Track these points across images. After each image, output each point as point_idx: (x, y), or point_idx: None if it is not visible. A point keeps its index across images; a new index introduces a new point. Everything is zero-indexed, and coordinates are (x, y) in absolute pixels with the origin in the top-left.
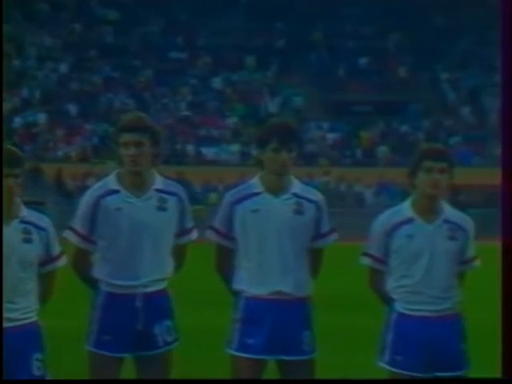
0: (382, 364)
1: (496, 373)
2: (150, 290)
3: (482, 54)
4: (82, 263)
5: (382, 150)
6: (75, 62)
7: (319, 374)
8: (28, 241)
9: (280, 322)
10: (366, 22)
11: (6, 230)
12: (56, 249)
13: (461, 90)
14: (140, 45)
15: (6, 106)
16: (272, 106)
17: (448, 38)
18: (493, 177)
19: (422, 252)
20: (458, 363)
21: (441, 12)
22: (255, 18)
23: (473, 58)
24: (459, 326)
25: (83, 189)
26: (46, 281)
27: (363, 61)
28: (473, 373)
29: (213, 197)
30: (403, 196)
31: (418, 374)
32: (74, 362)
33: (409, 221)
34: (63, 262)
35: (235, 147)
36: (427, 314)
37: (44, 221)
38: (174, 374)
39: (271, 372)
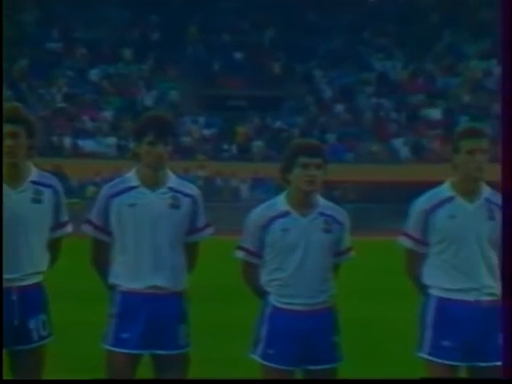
0: (254, 356)
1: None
2: (25, 283)
3: (355, 51)
4: None
5: (258, 145)
6: None
7: (194, 368)
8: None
9: (155, 317)
10: (241, 16)
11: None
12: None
13: (335, 87)
14: (15, 35)
15: None
16: (148, 99)
17: (322, 35)
18: (366, 173)
19: (296, 245)
20: (331, 356)
21: (315, 9)
22: (131, 10)
23: (346, 56)
24: (332, 319)
25: None
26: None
27: (238, 56)
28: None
29: (90, 190)
30: (278, 190)
31: (290, 368)
32: None
33: (284, 214)
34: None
35: (112, 140)
36: (301, 307)
37: None
38: (49, 371)
39: (146, 367)
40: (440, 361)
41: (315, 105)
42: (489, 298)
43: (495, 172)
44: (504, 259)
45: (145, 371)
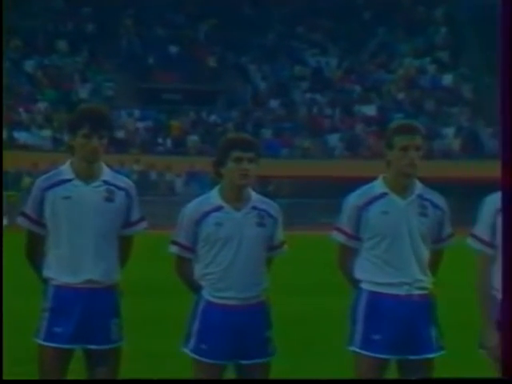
0: (186, 351)
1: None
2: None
3: (289, 46)
4: None
5: (192, 140)
6: None
7: (126, 363)
8: None
9: (89, 311)
10: (175, 10)
11: None
12: None
13: (270, 81)
14: None
15: None
16: (83, 91)
17: (257, 29)
18: (300, 168)
19: (230, 239)
20: (264, 350)
21: (250, 3)
22: (65, 1)
23: (281, 51)
24: (265, 314)
25: None
26: None
27: (173, 49)
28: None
29: (25, 181)
30: (213, 185)
31: (222, 362)
32: None
33: (217, 209)
34: None
35: (47, 132)
36: (234, 301)
37: None
38: None
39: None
40: (370, 354)
41: (250, 99)
42: (420, 292)
43: (428, 168)
44: (504, 259)
45: (76, 366)
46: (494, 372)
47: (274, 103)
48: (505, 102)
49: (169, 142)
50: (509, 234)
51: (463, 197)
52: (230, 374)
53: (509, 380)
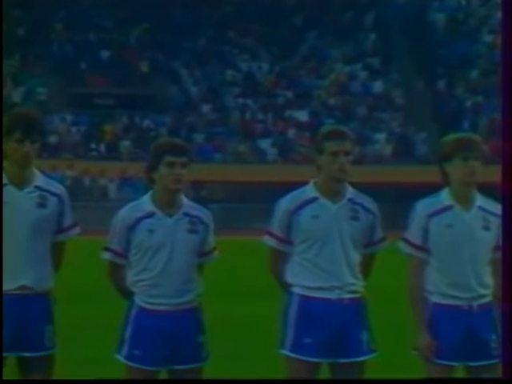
0: (119, 357)
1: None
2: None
3: (220, 51)
4: None
5: (125, 145)
6: None
7: (59, 369)
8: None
9: (22, 318)
10: (106, 15)
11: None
12: None
13: (202, 86)
14: None
15: None
16: (16, 95)
17: (188, 34)
18: (233, 173)
19: (162, 245)
20: (196, 356)
21: (180, 8)
22: None
23: (212, 55)
24: (197, 319)
25: None
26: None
27: (105, 54)
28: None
29: None
30: (146, 190)
31: (155, 368)
32: None
33: (150, 215)
34: None
35: None
36: (166, 307)
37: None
38: None
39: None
40: (301, 357)
41: (182, 104)
42: (351, 296)
43: (360, 173)
44: (504, 259)
45: (10, 373)
46: (426, 373)
47: (206, 108)
48: (505, 102)
49: (102, 147)
50: (508, 235)
51: (395, 201)
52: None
53: (509, 380)
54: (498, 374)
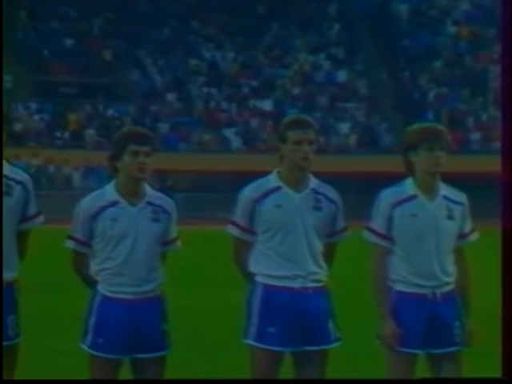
0: (83, 346)
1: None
2: None
3: (185, 40)
4: None
5: (90, 133)
6: None
7: (23, 360)
8: None
9: None
10: (70, 3)
11: None
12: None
13: (166, 75)
14: None
15: None
16: None
17: (152, 23)
18: (198, 162)
19: (125, 234)
20: (160, 344)
21: None
22: None
23: (176, 45)
24: (161, 308)
25: None
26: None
27: (69, 42)
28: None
29: None
30: (111, 179)
31: (119, 356)
32: None
33: (113, 204)
34: None
35: None
36: (129, 296)
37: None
38: None
39: None
40: (265, 347)
41: (147, 93)
42: (314, 285)
43: (324, 163)
44: (504, 260)
45: None
46: (389, 361)
47: (170, 97)
48: (505, 102)
49: (66, 136)
50: (509, 232)
51: (359, 191)
52: (126, 368)
53: (509, 380)
54: (460, 361)
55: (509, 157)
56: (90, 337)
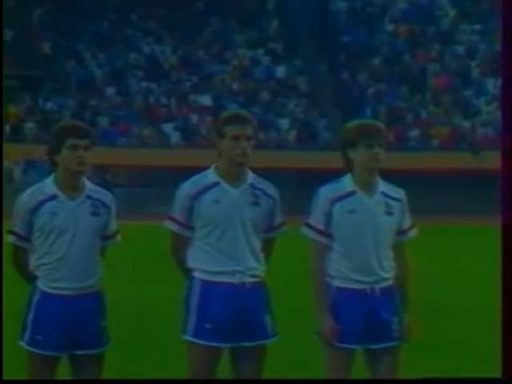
0: (21, 343)
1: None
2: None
3: (123, 34)
4: None
5: (29, 127)
6: None
7: None
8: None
9: None
10: None
11: None
12: None
13: (105, 69)
14: None
15: None
16: None
17: (90, 16)
18: (137, 157)
19: (65, 229)
20: (98, 340)
21: None
22: None
23: (115, 38)
24: (99, 303)
25: None
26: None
27: (8, 34)
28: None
29: None
30: (51, 173)
31: (57, 353)
32: None
33: (52, 197)
34: None
35: None
36: (68, 292)
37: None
38: None
39: None
40: (203, 342)
41: (86, 87)
42: (253, 280)
43: (263, 159)
44: (505, 260)
45: None
46: (327, 356)
47: (109, 91)
48: (505, 102)
49: (6, 129)
50: (509, 230)
51: (298, 187)
52: (64, 365)
53: (509, 380)
54: (398, 356)
55: (509, 154)
56: (28, 333)
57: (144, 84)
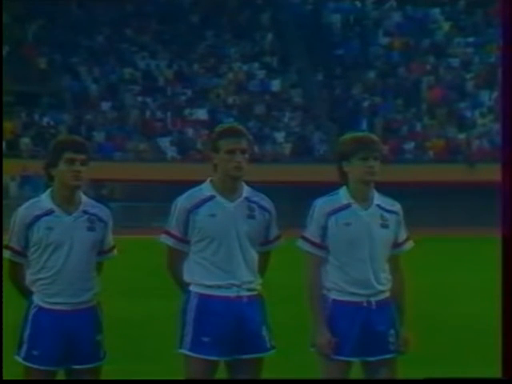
0: (18, 358)
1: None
2: None
3: (118, 48)
4: None
5: (25, 142)
6: None
7: None
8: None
9: None
10: (4, 9)
11: None
12: None
13: (101, 84)
14: None
15: None
16: None
17: (85, 31)
18: (133, 171)
19: (61, 244)
20: (94, 355)
21: (77, 4)
22: None
23: (110, 53)
24: (96, 318)
25: None
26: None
27: (4, 50)
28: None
29: None
30: (47, 188)
31: (54, 368)
32: None
33: (48, 212)
34: None
35: None
36: (64, 307)
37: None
38: None
39: None
40: (200, 356)
41: (81, 102)
42: (249, 294)
43: (258, 172)
44: (504, 260)
45: None
46: (324, 369)
47: (105, 106)
48: (504, 113)
49: (2, 144)
50: (509, 236)
51: (293, 200)
52: (61, 377)
53: (509, 380)
54: (395, 368)
55: (509, 165)
56: (24, 348)
57: (139, 98)
